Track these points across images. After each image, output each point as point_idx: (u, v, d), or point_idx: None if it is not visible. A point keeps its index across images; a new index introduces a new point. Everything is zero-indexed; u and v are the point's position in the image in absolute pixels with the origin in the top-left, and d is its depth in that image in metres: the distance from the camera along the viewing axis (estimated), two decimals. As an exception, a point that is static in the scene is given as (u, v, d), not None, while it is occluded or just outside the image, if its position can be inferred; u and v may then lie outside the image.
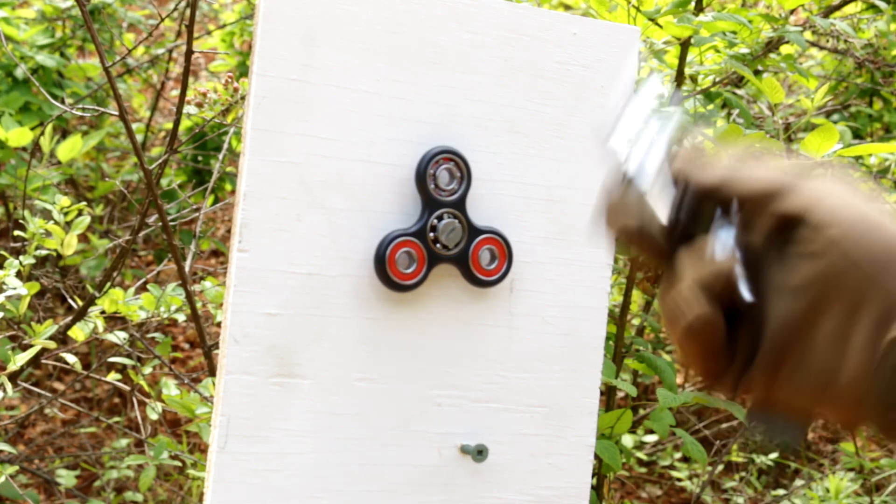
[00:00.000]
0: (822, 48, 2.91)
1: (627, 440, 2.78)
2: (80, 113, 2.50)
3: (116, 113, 2.00)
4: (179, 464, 2.34)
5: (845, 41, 2.72)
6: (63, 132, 3.40)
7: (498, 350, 1.07)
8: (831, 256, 0.59)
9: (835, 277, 0.59)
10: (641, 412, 2.47)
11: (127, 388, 2.31)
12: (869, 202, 0.62)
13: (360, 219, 1.00)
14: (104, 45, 3.28)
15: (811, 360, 0.60)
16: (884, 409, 0.58)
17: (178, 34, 3.64)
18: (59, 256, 2.06)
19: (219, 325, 2.69)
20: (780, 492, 2.86)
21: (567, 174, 1.09)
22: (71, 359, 2.02)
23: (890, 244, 0.60)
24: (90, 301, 2.13)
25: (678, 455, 3.01)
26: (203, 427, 1.93)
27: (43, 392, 2.52)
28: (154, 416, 2.12)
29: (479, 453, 1.05)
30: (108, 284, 2.16)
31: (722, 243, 0.63)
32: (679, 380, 3.14)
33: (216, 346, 2.24)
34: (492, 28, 1.04)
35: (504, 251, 1.06)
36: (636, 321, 2.76)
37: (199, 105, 2.01)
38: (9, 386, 1.90)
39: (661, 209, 0.65)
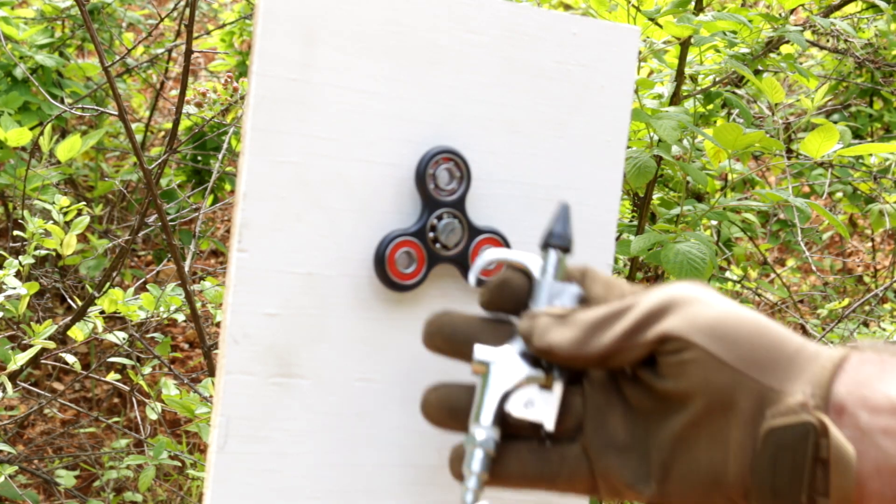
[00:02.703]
0: (822, 48, 2.91)
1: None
2: (79, 113, 2.50)
3: (116, 113, 2.00)
4: (179, 464, 2.34)
5: (845, 41, 2.72)
6: (62, 132, 3.40)
7: (498, 350, 1.06)
8: (700, 362, 0.60)
9: (705, 382, 0.60)
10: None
11: (126, 388, 2.31)
12: (717, 295, 0.63)
13: (360, 219, 1.00)
14: (103, 44, 3.28)
15: (697, 463, 0.61)
16: (771, 498, 0.59)
17: (178, 34, 3.64)
18: (59, 256, 2.06)
19: (218, 325, 2.69)
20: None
21: (567, 174, 1.09)
22: (70, 359, 2.02)
23: (752, 336, 0.61)
24: (90, 301, 2.13)
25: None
26: (202, 427, 1.93)
27: (42, 392, 2.52)
28: (154, 416, 2.12)
29: (479, 453, 1.05)
30: (108, 284, 2.16)
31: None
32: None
33: (216, 346, 2.24)
34: (492, 28, 1.04)
35: (504, 251, 1.05)
36: (636, 321, 2.75)
37: (199, 105, 2.01)
38: (8, 386, 1.89)
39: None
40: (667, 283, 0.65)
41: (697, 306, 0.61)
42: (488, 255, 0.78)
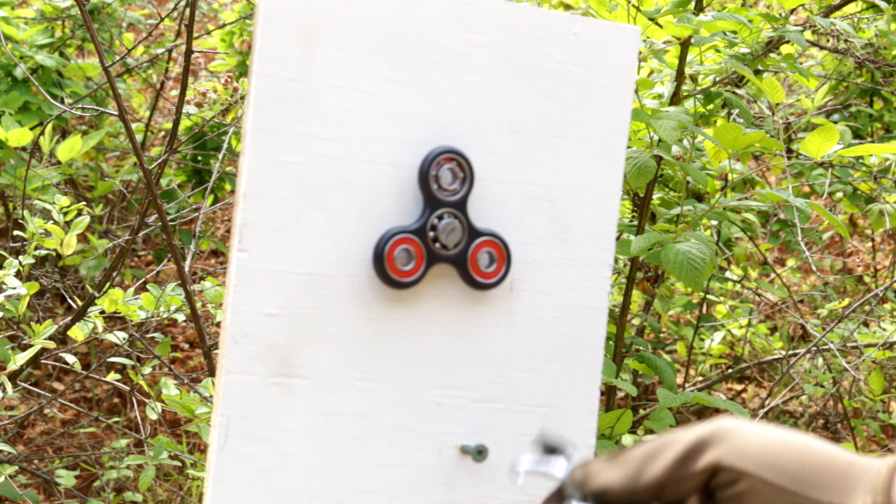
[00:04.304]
0: (822, 48, 2.91)
1: (627, 440, 2.78)
2: (79, 113, 2.50)
3: (116, 113, 2.00)
4: (179, 464, 2.34)
5: (845, 41, 2.72)
6: (62, 132, 3.40)
7: (498, 350, 1.06)
8: (756, 490, 0.62)
9: None
10: (641, 412, 2.47)
11: (126, 388, 2.31)
12: (758, 424, 0.65)
13: (360, 219, 1.00)
14: (104, 44, 3.28)
15: None
16: None
17: (178, 34, 3.64)
18: (59, 256, 2.06)
19: (218, 325, 2.69)
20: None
21: (567, 174, 1.09)
22: (70, 359, 2.02)
23: (802, 457, 0.62)
24: (90, 301, 2.13)
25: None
26: (203, 427, 1.93)
27: (42, 392, 2.52)
28: (154, 416, 2.12)
29: (479, 453, 1.05)
30: (108, 284, 2.16)
31: None
32: (679, 380, 3.14)
33: (216, 346, 2.24)
34: (492, 28, 1.04)
35: (503, 254, 1.06)
36: (636, 321, 2.75)
37: (199, 105, 2.00)
38: (8, 386, 1.89)
39: None
40: (709, 419, 0.67)
41: (743, 436, 0.63)
42: (523, 464, 0.78)
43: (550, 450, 0.78)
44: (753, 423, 0.65)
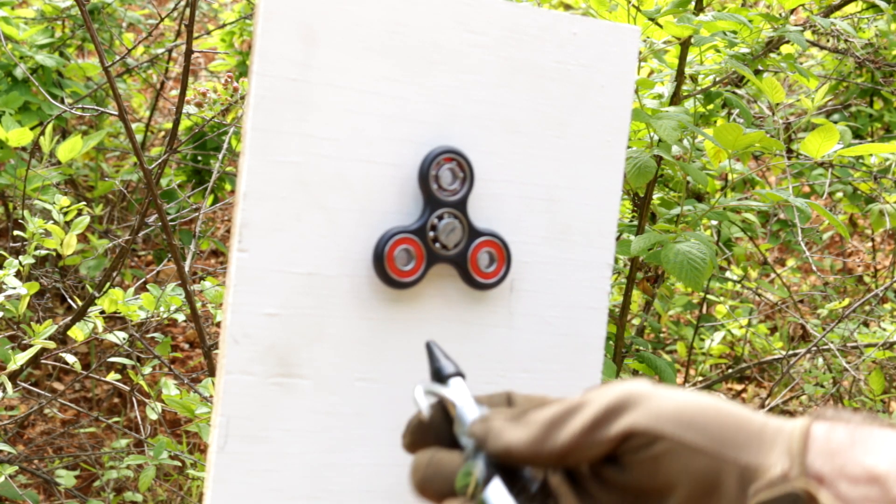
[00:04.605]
0: (822, 48, 2.91)
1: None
2: (79, 113, 2.50)
3: (116, 113, 2.00)
4: (179, 464, 2.34)
5: (846, 41, 2.72)
6: (63, 132, 3.40)
7: (498, 350, 1.07)
8: (673, 451, 0.60)
9: (684, 471, 0.60)
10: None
11: (126, 388, 2.31)
12: (669, 388, 0.64)
13: (360, 218, 1.00)
14: (104, 44, 3.28)
15: None
16: None
17: (178, 34, 3.64)
18: (59, 256, 2.06)
19: (218, 325, 2.69)
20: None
21: (567, 174, 1.09)
22: (70, 359, 2.02)
23: (718, 418, 0.61)
24: (90, 301, 2.13)
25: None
26: (203, 427, 1.93)
27: (42, 392, 2.52)
28: (154, 416, 2.12)
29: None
30: (108, 284, 2.16)
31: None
32: (679, 380, 3.14)
33: (216, 346, 2.24)
34: (492, 28, 1.04)
35: (503, 254, 1.06)
36: (636, 321, 2.75)
37: (199, 105, 2.01)
38: (8, 386, 1.89)
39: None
40: (614, 381, 0.65)
41: (656, 400, 0.62)
42: (417, 394, 0.77)
43: (441, 375, 0.76)
44: (662, 386, 0.63)
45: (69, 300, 2.48)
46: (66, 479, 2.44)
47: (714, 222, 2.84)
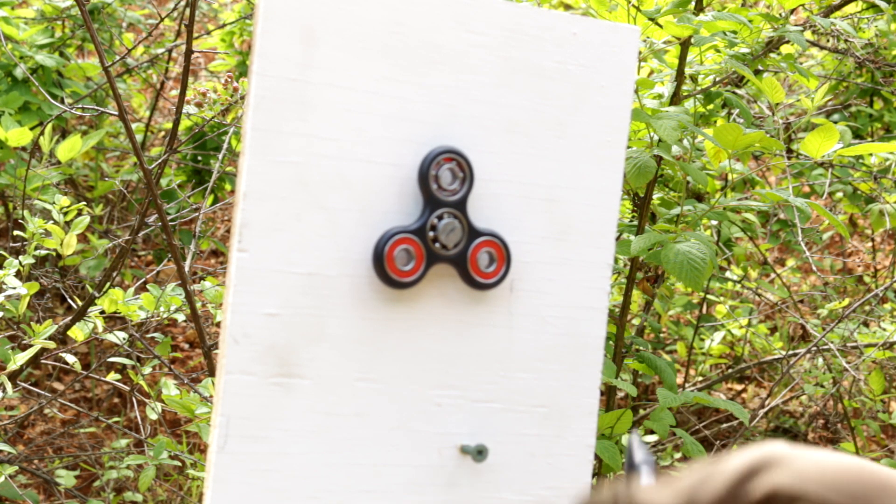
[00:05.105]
0: (822, 48, 2.91)
1: (627, 440, 2.77)
2: (79, 113, 2.50)
3: (116, 113, 2.00)
4: (179, 464, 2.34)
5: (846, 41, 2.72)
6: (62, 132, 3.40)
7: (498, 350, 1.06)
8: None
9: None
10: (641, 412, 2.47)
11: (126, 388, 2.31)
12: (807, 449, 0.65)
13: (360, 218, 1.00)
14: (104, 44, 3.28)
15: None
16: None
17: (178, 34, 3.63)
18: (59, 256, 2.06)
19: (219, 325, 2.69)
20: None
21: (567, 174, 1.09)
22: (70, 359, 2.02)
23: (862, 478, 0.62)
24: (90, 301, 2.13)
25: (678, 455, 3.01)
26: (203, 427, 1.93)
27: (42, 392, 2.52)
28: (154, 416, 2.12)
29: (479, 453, 1.05)
30: (108, 284, 2.16)
31: None
32: (679, 380, 3.14)
33: (216, 346, 2.23)
34: (492, 28, 1.04)
35: (503, 254, 1.06)
36: (636, 321, 2.75)
37: (199, 105, 2.00)
38: (8, 386, 1.89)
39: None
40: (752, 445, 0.67)
41: (798, 461, 0.63)
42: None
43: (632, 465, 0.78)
44: (800, 447, 0.65)
45: (69, 300, 2.48)
46: (66, 479, 2.44)
47: (714, 222, 2.84)
